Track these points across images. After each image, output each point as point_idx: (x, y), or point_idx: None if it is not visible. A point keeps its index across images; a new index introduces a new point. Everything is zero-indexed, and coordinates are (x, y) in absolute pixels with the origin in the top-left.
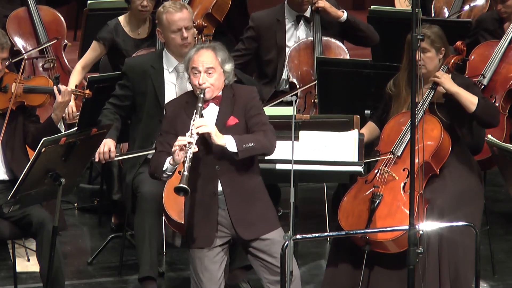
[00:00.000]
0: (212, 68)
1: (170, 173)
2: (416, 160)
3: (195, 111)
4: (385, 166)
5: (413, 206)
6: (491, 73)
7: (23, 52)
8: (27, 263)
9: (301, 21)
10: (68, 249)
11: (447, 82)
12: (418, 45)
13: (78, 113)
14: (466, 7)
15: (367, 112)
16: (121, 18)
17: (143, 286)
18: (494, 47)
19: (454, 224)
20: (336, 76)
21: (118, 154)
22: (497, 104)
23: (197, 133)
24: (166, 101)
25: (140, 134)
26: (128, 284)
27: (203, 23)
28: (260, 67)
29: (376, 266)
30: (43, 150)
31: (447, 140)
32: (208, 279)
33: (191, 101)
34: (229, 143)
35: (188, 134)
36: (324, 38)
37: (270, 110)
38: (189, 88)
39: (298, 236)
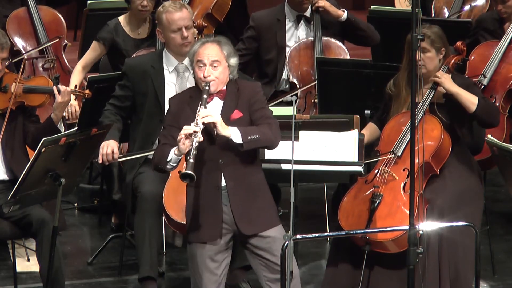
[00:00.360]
0: (217, 61)
1: (174, 164)
2: (416, 160)
3: (200, 102)
4: (385, 166)
5: (413, 206)
6: (491, 73)
7: (23, 52)
8: (27, 263)
9: (302, 21)
10: (68, 249)
11: (447, 82)
12: (418, 45)
13: None
14: (466, 7)
15: (367, 112)
16: (121, 18)
17: (143, 286)
18: (494, 47)
19: (454, 224)
20: (336, 76)
21: (121, 156)
22: (497, 104)
23: (203, 123)
24: (166, 101)
25: (141, 134)
26: (128, 284)
27: (203, 23)
28: (260, 67)
29: (376, 266)
30: (43, 150)
31: (447, 140)
32: (208, 276)
33: (194, 95)
34: (234, 134)
35: (193, 123)
36: (324, 38)
37: None
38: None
39: (298, 236)
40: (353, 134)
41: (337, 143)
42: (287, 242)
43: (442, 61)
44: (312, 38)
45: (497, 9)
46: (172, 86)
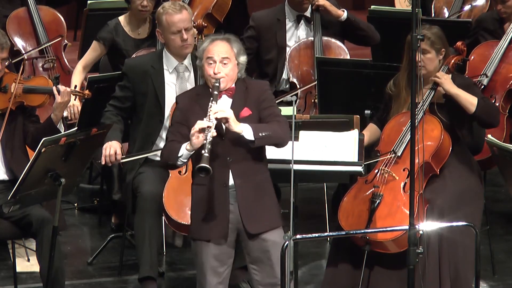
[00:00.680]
0: (227, 59)
1: (185, 160)
2: (416, 160)
3: (211, 98)
4: (385, 166)
5: (413, 206)
6: (491, 73)
7: (23, 52)
8: (27, 263)
9: (302, 21)
10: (68, 249)
11: (446, 83)
12: (418, 45)
13: None
14: (466, 7)
15: (367, 112)
16: (121, 18)
17: (143, 286)
18: (494, 47)
19: (454, 224)
20: (336, 76)
21: (124, 156)
22: (497, 104)
23: (216, 118)
24: (166, 101)
25: (141, 134)
26: (128, 284)
27: (203, 23)
28: (260, 66)
29: (376, 266)
30: (43, 150)
31: (447, 140)
32: (211, 275)
33: (202, 93)
34: (245, 130)
35: (206, 119)
36: (325, 38)
37: None
38: (190, 88)
39: (298, 236)
40: (353, 134)
41: (337, 143)
42: (287, 242)
43: (442, 62)
44: (312, 38)
45: (497, 9)
46: (172, 86)
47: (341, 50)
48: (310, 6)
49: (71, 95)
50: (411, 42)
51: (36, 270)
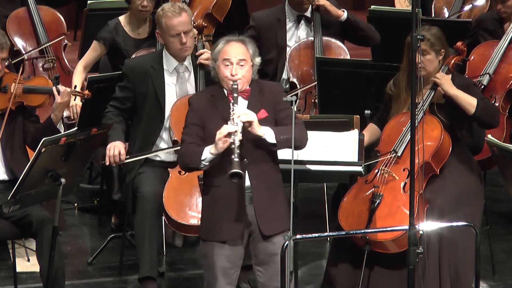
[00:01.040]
0: (244, 60)
1: (208, 163)
2: (416, 160)
3: (232, 101)
4: (385, 166)
5: (413, 206)
6: (491, 73)
7: (23, 52)
8: (27, 263)
9: (302, 21)
10: (68, 249)
11: (446, 84)
12: (418, 45)
13: None
14: (466, 7)
15: (367, 112)
16: (122, 18)
17: (143, 286)
18: (494, 47)
19: (454, 224)
20: (336, 76)
21: (128, 157)
22: (497, 104)
23: (241, 121)
24: (166, 101)
25: (141, 134)
26: (128, 284)
27: (203, 23)
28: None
29: (376, 266)
30: (43, 150)
31: (447, 140)
32: (223, 276)
33: (216, 94)
34: (267, 133)
35: (230, 122)
36: (325, 38)
37: None
38: (190, 89)
39: (298, 236)
40: (353, 134)
41: (337, 143)
42: (287, 242)
43: (442, 62)
44: (312, 38)
45: (497, 8)
46: (172, 87)
47: (341, 50)
48: (310, 6)
49: (71, 95)
50: (411, 42)
51: (36, 270)
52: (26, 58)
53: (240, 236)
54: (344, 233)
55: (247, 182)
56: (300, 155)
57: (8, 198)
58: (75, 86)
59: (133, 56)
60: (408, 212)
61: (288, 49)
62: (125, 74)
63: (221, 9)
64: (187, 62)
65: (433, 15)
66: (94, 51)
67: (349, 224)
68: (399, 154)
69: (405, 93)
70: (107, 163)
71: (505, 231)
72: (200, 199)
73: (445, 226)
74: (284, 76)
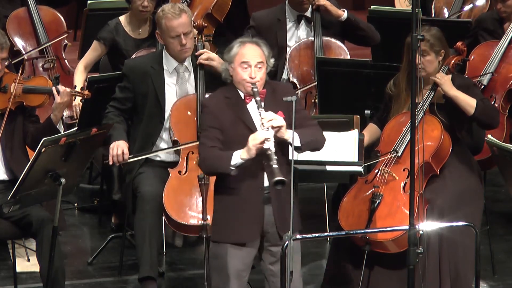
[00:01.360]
0: (261, 63)
1: (236, 168)
2: (416, 160)
3: (257, 105)
4: (386, 166)
5: (413, 206)
6: (493, 70)
7: (23, 52)
8: (27, 263)
9: (302, 21)
10: (68, 249)
11: (446, 85)
12: (418, 45)
13: None
14: (466, 7)
15: (367, 112)
16: (122, 18)
17: (143, 286)
18: (494, 47)
19: (454, 224)
20: (336, 76)
21: (131, 156)
22: (496, 105)
23: (272, 126)
24: (166, 101)
25: (141, 134)
26: (128, 284)
27: (203, 23)
28: None
29: (376, 266)
30: (43, 150)
31: (447, 140)
32: (236, 278)
33: (230, 95)
34: (293, 137)
35: (260, 127)
36: (325, 38)
37: None
38: (190, 89)
39: (298, 236)
40: (353, 134)
41: (337, 143)
42: (287, 242)
43: (442, 62)
44: (313, 38)
45: (497, 8)
46: (172, 87)
47: (341, 50)
48: (310, 6)
49: (71, 95)
50: (411, 42)
51: (36, 270)
52: (26, 58)
53: (257, 237)
54: (344, 233)
55: (265, 184)
56: (300, 155)
57: (8, 198)
58: (75, 86)
59: (133, 56)
60: (408, 212)
61: (288, 49)
62: (125, 75)
63: (221, 9)
64: (187, 62)
65: (433, 15)
66: (94, 51)
67: (349, 224)
68: (399, 154)
69: (405, 93)
70: (111, 163)
71: (505, 231)
72: (200, 199)
73: (445, 226)
74: (284, 76)
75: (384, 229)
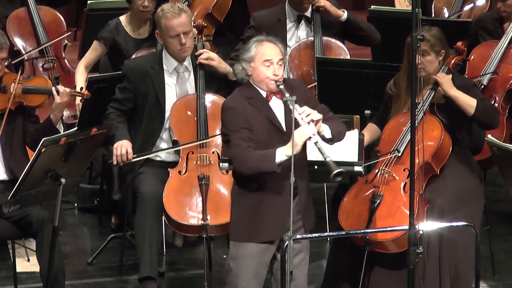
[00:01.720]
0: (281, 60)
1: (279, 166)
2: (416, 161)
3: (289, 102)
4: (386, 166)
5: (413, 206)
6: (493, 69)
7: (23, 52)
8: (27, 263)
9: (302, 21)
10: (68, 249)
11: (446, 85)
12: (418, 45)
13: None
14: (466, 7)
15: (367, 112)
16: (122, 18)
17: (143, 286)
18: (494, 47)
19: (454, 224)
20: (336, 76)
21: (135, 156)
22: (496, 105)
23: (312, 120)
24: (166, 102)
25: (141, 134)
26: (128, 284)
27: (203, 23)
28: None
29: (376, 266)
30: (43, 150)
31: (448, 141)
32: (256, 278)
33: (251, 95)
34: (325, 130)
35: (302, 123)
36: (325, 38)
37: None
38: (189, 89)
39: (298, 236)
40: (353, 134)
41: (337, 143)
42: (287, 242)
43: (442, 62)
44: (313, 38)
45: (497, 7)
46: (172, 87)
47: (341, 50)
48: (310, 6)
49: (71, 95)
50: (411, 42)
51: (36, 270)
52: (26, 58)
53: (282, 234)
54: (344, 233)
55: (292, 178)
56: None
57: (8, 198)
58: (75, 87)
59: (133, 56)
60: (408, 212)
61: (288, 49)
62: (125, 75)
63: (221, 9)
64: (187, 62)
65: (433, 15)
66: (94, 51)
67: (349, 224)
68: (400, 154)
69: (405, 93)
70: (115, 163)
71: (505, 231)
72: (200, 199)
73: (445, 226)
74: (284, 76)
75: (384, 229)
